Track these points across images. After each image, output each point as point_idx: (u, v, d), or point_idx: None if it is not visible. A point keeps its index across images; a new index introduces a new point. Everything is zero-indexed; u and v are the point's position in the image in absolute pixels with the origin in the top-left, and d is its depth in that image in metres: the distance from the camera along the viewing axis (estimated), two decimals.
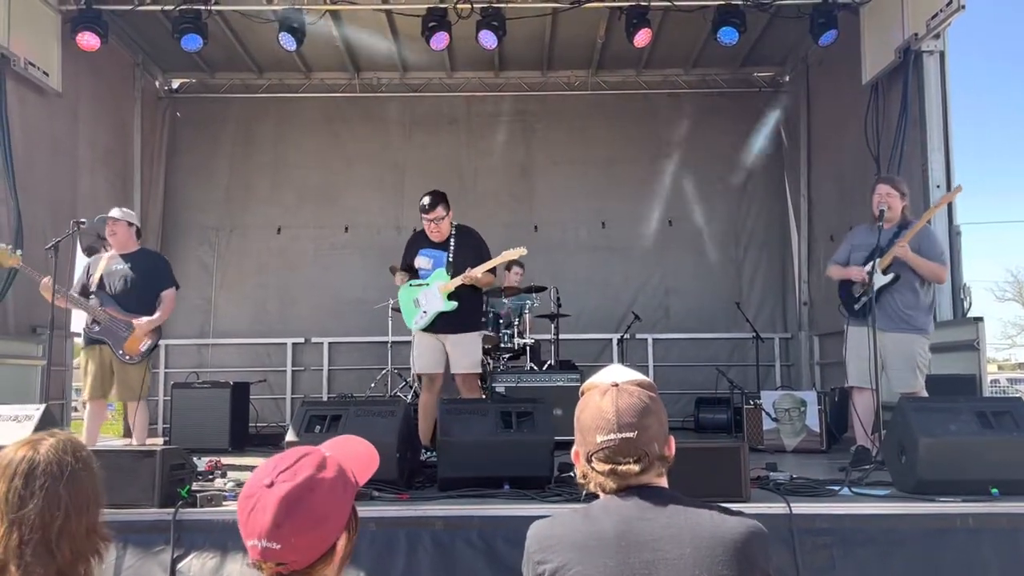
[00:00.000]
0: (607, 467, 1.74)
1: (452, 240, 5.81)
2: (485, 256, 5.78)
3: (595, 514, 1.74)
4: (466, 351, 5.81)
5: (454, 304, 5.64)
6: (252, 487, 1.42)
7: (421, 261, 5.84)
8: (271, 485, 1.39)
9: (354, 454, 1.52)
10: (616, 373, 1.85)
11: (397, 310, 8.66)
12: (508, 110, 10.62)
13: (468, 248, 5.78)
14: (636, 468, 1.73)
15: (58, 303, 5.56)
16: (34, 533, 1.55)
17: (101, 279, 5.87)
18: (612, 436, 1.73)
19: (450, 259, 5.75)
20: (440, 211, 5.72)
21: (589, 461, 1.77)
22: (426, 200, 5.77)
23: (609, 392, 1.78)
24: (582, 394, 1.87)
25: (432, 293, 5.70)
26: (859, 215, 5.88)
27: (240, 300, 10.30)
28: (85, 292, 5.89)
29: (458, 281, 5.62)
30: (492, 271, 5.80)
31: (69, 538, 1.58)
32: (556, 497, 4.08)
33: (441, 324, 5.71)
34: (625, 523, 1.69)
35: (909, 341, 5.47)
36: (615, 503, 1.75)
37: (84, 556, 1.61)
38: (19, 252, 5.74)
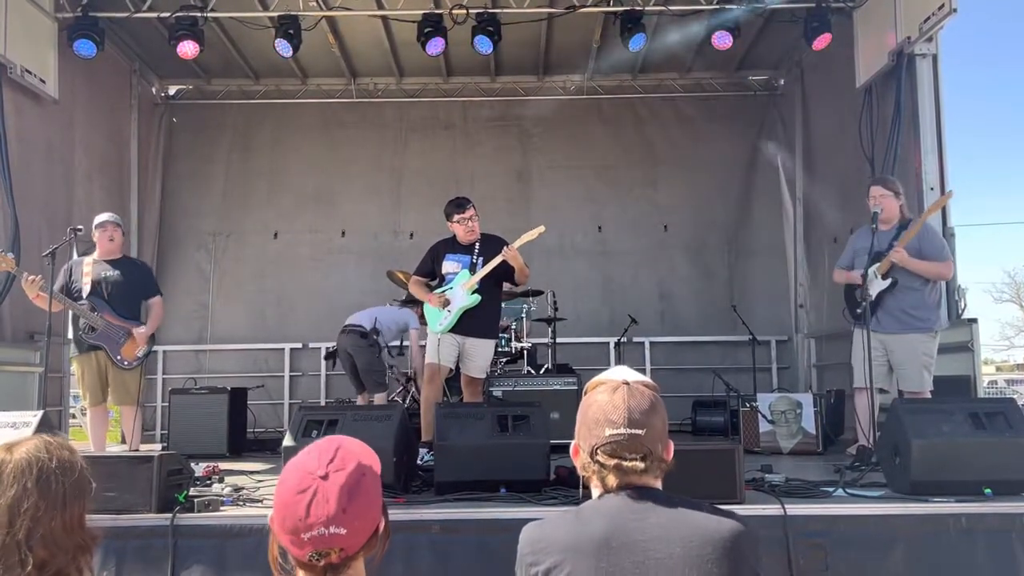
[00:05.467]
0: (613, 462, 1.76)
1: (478, 243, 5.96)
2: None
3: (586, 515, 1.76)
4: (480, 355, 5.98)
5: (477, 298, 5.77)
6: (303, 481, 1.44)
7: (449, 266, 5.97)
8: (326, 476, 1.44)
9: (362, 447, 1.56)
10: (624, 373, 1.87)
11: None
12: (504, 115, 10.66)
13: (494, 252, 5.87)
14: (641, 465, 1.75)
15: (54, 307, 5.58)
16: (1, 530, 1.57)
17: (93, 284, 5.90)
18: (622, 431, 1.75)
19: (475, 260, 5.90)
20: (473, 210, 5.94)
21: (593, 455, 1.78)
22: (459, 201, 5.96)
23: (620, 389, 1.80)
24: (586, 392, 1.88)
25: (456, 293, 5.84)
26: (862, 217, 5.93)
27: (237, 305, 10.30)
28: (68, 295, 5.88)
29: (491, 265, 5.76)
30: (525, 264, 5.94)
31: (43, 536, 1.59)
32: (552, 500, 4.10)
33: (463, 326, 5.84)
34: (615, 524, 1.70)
35: (915, 341, 5.53)
36: (606, 504, 1.76)
37: (66, 554, 1.62)
38: (10, 255, 5.75)
